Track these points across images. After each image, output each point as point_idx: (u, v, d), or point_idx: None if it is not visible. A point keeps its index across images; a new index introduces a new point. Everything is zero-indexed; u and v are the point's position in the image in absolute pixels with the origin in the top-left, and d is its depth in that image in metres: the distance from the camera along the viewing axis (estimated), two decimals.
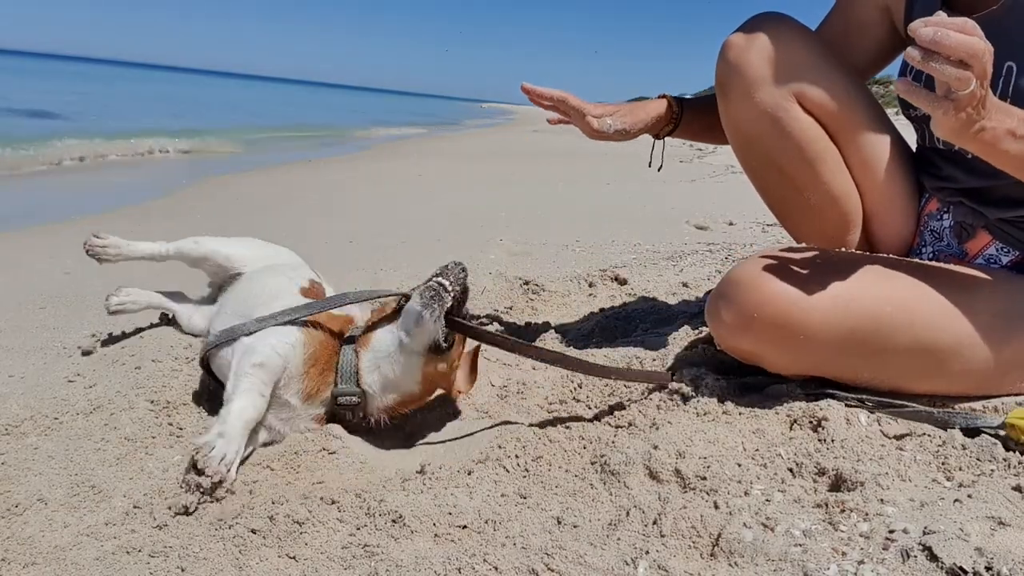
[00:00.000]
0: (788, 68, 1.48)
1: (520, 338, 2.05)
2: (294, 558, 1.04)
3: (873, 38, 1.64)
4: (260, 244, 1.91)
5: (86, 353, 1.84)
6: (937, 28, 0.99)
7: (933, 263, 1.45)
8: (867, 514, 0.96)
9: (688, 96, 1.86)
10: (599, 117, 1.67)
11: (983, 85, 1.06)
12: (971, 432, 1.21)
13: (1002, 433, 1.19)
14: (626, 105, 1.76)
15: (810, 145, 1.52)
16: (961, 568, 0.81)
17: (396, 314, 1.48)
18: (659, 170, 1.92)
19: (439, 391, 1.55)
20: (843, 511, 0.97)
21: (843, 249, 1.55)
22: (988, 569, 0.81)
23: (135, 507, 1.18)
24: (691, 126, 1.81)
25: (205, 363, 1.56)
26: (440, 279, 1.43)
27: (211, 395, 1.60)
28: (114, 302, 1.87)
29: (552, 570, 0.95)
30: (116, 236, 1.86)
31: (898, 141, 1.57)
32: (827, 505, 0.99)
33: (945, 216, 1.53)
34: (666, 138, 1.83)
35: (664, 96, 1.81)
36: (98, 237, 1.86)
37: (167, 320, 1.96)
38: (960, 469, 1.08)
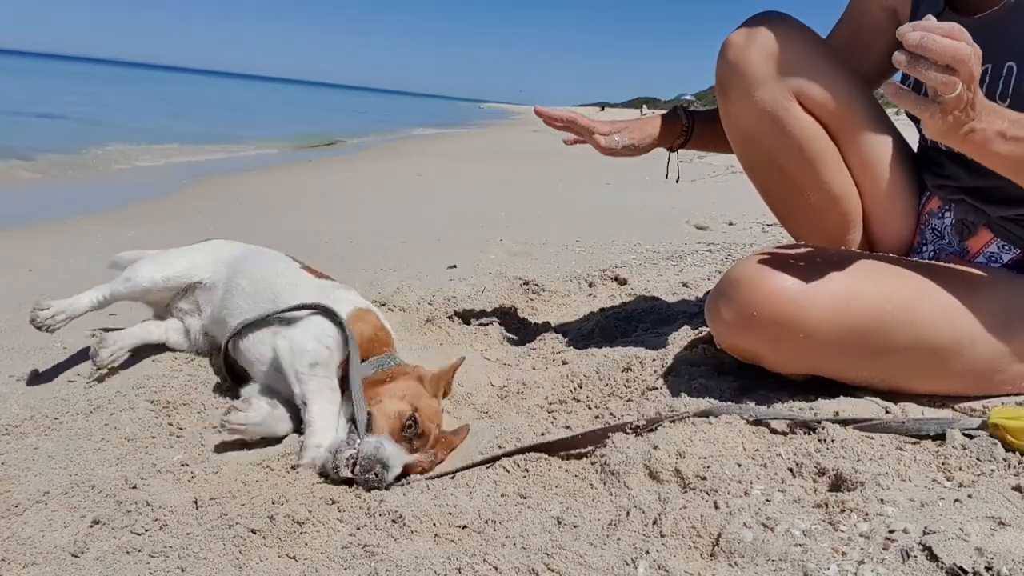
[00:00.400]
0: (788, 67, 1.48)
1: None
2: (294, 558, 1.04)
3: (882, 41, 1.64)
4: (198, 248, 1.85)
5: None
6: (924, 32, 1.00)
7: (934, 262, 1.45)
8: (867, 514, 0.95)
9: (689, 96, 1.87)
10: (607, 135, 1.71)
11: (970, 88, 1.06)
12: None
13: (984, 435, 1.19)
14: (634, 122, 1.79)
15: (810, 144, 1.52)
16: (961, 568, 0.81)
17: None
18: (677, 181, 1.96)
19: None
20: (843, 511, 0.97)
21: (844, 248, 1.55)
22: (988, 569, 0.81)
23: (137, 504, 1.18)
24: (703, 138, 1.83)
25: (226, 353, 1.58)
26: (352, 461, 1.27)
27: (210, 394, 1.60)
28: (106, 356, 1.68)
29: (552, 570, 0.95)
30: (56, 300, 1.73)
31: (898, 141, 1.57)
32: (827, 505, 0.99)
33: (947, 214, 1.53)
34: (680, 150, 1.86)
35: (674, 109, 1.84)
36: (41, 309, 1.69)
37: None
38: (960, 469, 1.08)
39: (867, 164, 1.54)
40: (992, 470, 1.07)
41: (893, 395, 1.35)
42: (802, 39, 1.51)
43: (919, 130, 1.58)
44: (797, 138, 1.51)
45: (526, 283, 2.50)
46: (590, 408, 1.56)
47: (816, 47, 1.52)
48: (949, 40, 1.00)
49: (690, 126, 1.81)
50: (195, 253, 1.82)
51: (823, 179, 1.54)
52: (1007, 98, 1.34)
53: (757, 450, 1.19)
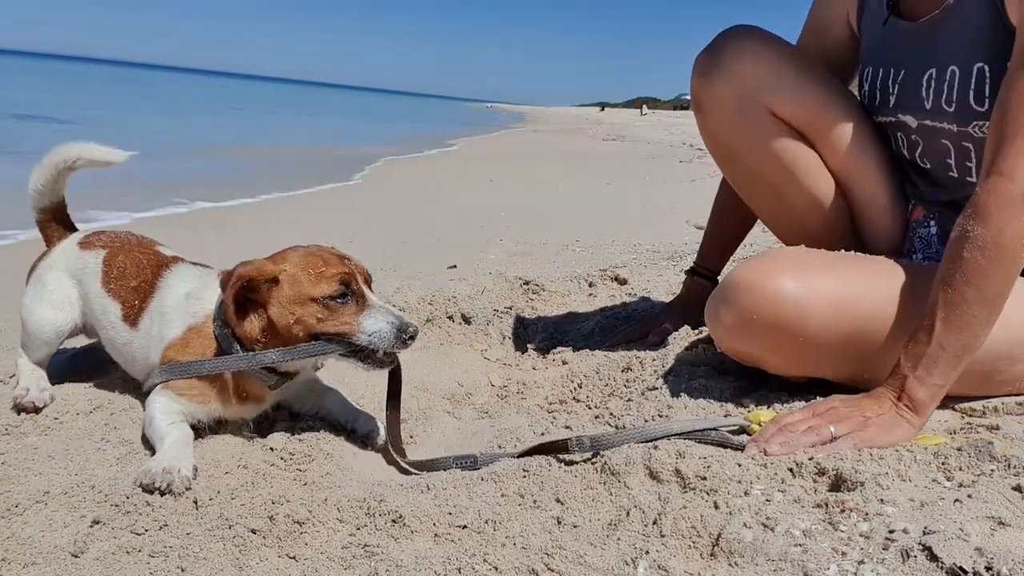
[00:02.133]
0: (758, 80, 1.52)
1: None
2: (294, 558, 1.04)
3: (849, 51, 1.68)
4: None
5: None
6: (765, 443, 1.15)
7: (932, 264, 1.45)
8: (867, 514, 0.95)
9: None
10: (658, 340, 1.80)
11: (852, 403, 1.18)
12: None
13: (742, 438, 1.22)
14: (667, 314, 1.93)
15: (785, 152, 1.55)
16: (961, 568, 0.81)
17: None
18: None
19: None
20: (843, 511, 0.97)
21: (841, 251, 1.55)
22: (988, 569, 0.81)
23: (135, 505, 1.18)
24: (719, 258, 1.96)
25: None
26: None
27: None
28: (36, 393, 1.51)
29: (552, 570, 0.95)
30: (23, 383, 1.54)
31: (879, 143, 1.58)
32: (827, 505, 0.99)
33: (931, 223, 1.54)
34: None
35: (684, 283, 2.00)
36: (24, 395, 1.50)
37: None
38: (960, 469, 1.08)
39: (846, 168, 1.57)
40: (992, 470, 1.07)
41: None
42: (771, 51, 1.54)
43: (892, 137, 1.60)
44: (772, 148, 1.55)
45: (526, 283, 2.50)
46: (590, 408, 1.56)
47: (783, 58, 1.55)
48: (782, 433, 1.15)
49: (702, 266, 1.95)
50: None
51: (803, 184, 1.57)
52: (952, 103, 1.35)
53: None
